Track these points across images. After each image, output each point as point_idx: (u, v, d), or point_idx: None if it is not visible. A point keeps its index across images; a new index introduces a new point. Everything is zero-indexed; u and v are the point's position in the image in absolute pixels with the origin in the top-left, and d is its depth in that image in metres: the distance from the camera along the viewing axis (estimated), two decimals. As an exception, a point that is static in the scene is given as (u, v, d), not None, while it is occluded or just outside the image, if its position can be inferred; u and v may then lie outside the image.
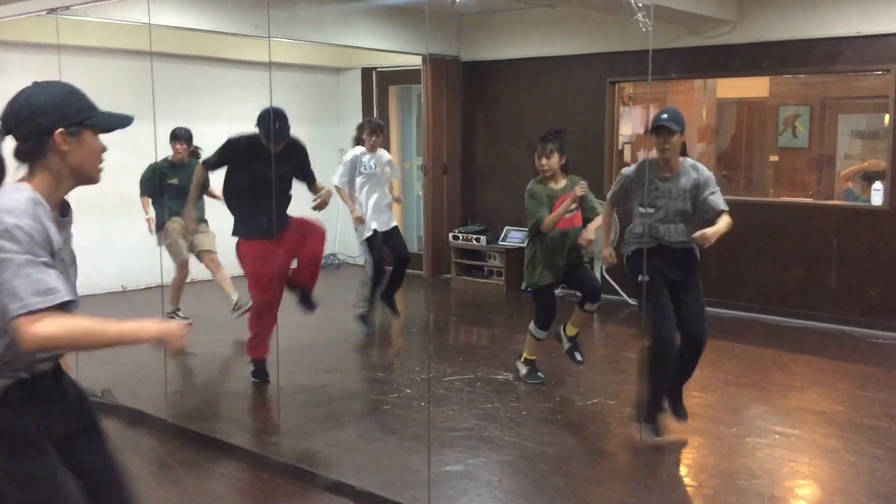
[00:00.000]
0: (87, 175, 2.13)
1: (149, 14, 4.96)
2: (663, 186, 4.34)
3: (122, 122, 2.18)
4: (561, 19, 8.34)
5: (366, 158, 6.83)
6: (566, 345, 5.51)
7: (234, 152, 5.25)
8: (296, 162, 5.39)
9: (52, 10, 5.72)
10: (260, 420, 4.87)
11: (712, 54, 7.57)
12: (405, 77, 9.87)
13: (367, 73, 10.26)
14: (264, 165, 4.99)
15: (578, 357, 5.48)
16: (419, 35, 8.54)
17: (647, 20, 4.77)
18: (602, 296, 7.65)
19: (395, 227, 6.93)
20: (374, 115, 10.22)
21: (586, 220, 5.32)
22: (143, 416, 4.82)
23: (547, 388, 5.39)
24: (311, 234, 5.42)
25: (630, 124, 8.85)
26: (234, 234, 5.31)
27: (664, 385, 4.39)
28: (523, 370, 5.51)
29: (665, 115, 4.24)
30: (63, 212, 2.14)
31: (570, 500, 3.79)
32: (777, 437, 4.54)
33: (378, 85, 10.20)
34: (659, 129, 4.24)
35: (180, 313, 7.01)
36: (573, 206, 5.25)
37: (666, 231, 4.35)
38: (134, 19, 6.41)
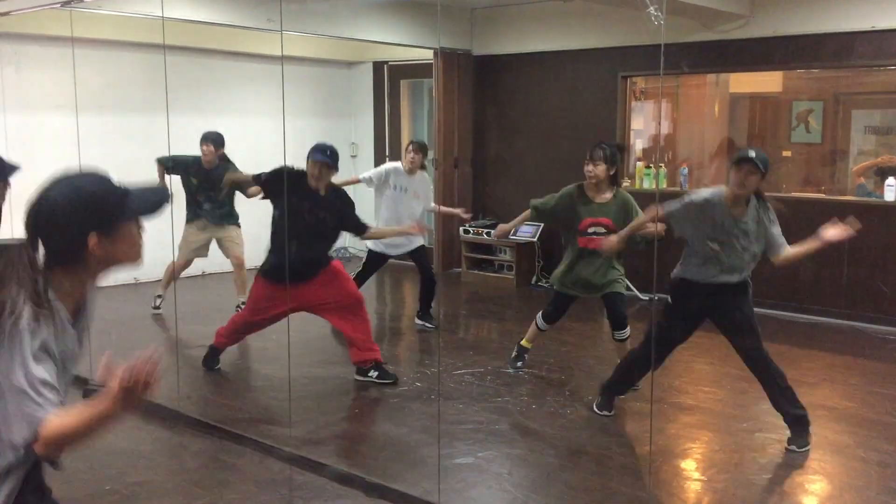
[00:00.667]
0: (128, 263, 1.98)
1: (162, 7, 4.97)
2: (735, 224, 4.20)
3: (157, 203, 1.99)
4: (573, 13, 8.32)
5: (400, 180, 6.62)
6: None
7: (280, 180, 5.06)
8: (342, 210, 5.24)
9: (66, 3, 5.75)
10: (271, 411, 4.89)
11: (725, 48, 7.55)
12: (417, 71, 9.88)
13: (378, 66, 10.27)
14: (307, 203, 5.05)
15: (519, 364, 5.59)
16: (431, 29, 8.54)
17: (660, 14, 4.75)
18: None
19: (421, 247, 6.71)
20: (387, 109, 10.25)
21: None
22: (156, 406, 4.84)
23: (557, 382, 5.39)
24: (343, 277, 5.32)
25: (642, 119, 8.84)
26: (261, 268, 5.30)
27: (626, 382, 4.63)
28: (513, 353, 5.62)
29: (752, 153, 4.07)
30: (78, 312, 1.99)
31: (579, 494, 3.80)
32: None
33: (390, 79, 10.21)
34: (742, 163, 4.05)
35: (160, 301, 7.15)
36: (601, 229, 5.03)
37: (728, 268, 4.25)
38: (147, 12, 6.43)
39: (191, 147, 7.43)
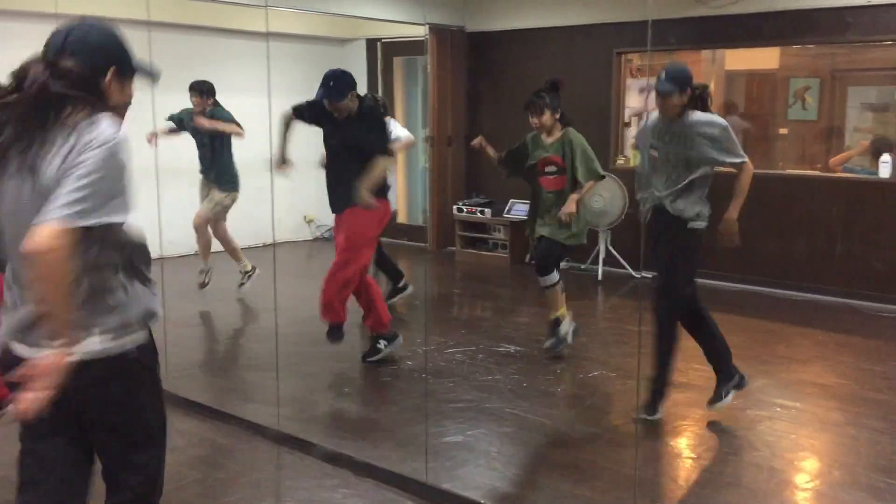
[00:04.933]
0: (120, 113, 2.16)
1: (147, -18, 4.91)
2: (667, 130, 4.22)
3: (151, 67, 2.30)
4: (567, -11, 8.24)
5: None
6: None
7: (312, 110, 5.11)
8: (365, 136, 4.98)
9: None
10: (259, 390, 4.86)
11: (719, 24, 7.47)
12: (410, 48, 9.79)
13: (371, 44, 10.17)
14: (330, 133, 5.01)
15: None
16: (423, 5, 8.45)
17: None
18: (606, 268, 7.67)
19: None
20: (380, 87, 10.16)
21: (575, 183, 5.25)
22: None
23: (548, 360, 5.37)
24: (350, 223, 5.08)
25: (636, 96, 8.78)
26: None
27: (664, 361, 4.34)
28: (548, 338, 5.49)
29: (662, 76, 4.13)
30: None
31: (569, 472, 3.79)
32: (778, 409, 4.52)
33: (383, 56, 10.12)
34: (656, 94, 4.16)
35: (206, 277, 7.11)
36: (553, 168, 5.26)
37: (665, 181, 4.23)
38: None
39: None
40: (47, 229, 1.85)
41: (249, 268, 7.10)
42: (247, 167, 8.70)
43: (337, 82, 4.94)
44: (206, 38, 9.06)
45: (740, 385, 4.40)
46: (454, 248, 9.14)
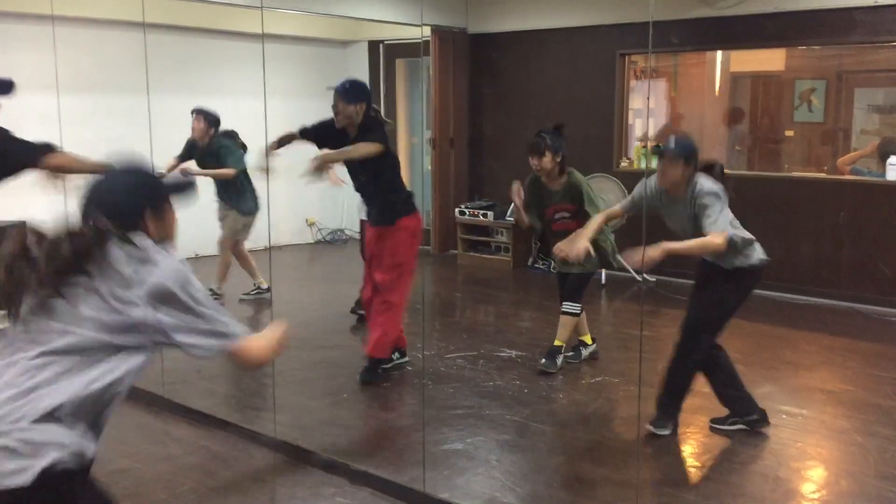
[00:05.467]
0: (167, 241, 2.21)
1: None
2: (670, 206, 4.17)
3: (186, 186, 2.33)
4: (570, -10, 8.18)
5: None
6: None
7: (322, 129, 4.98)
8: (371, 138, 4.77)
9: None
10: (255, 397, 4.80)
11: (724, 25, 7.39)
12: (413, 50, 9.73)
13: (374, 46, 10.12)
14: (337, 146, 4.86)
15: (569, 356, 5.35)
16: (424, 6, 8.39)
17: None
18: (610, 272, 7.58)
19: None
20: (382, 89, 10.10)
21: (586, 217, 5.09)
22: (139, 391, 4.76)
23: (539, 363, 5.28)
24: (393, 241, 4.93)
25: (641, 99, 8.70)
26: None
27: (678, 384, 4.23)
28: (576, 352, 5.45)
29: (671, 143, 4.06)
30: None
31: (570, 481, 3.71)
32: (784, 416, 4.43)
33: (385, 58, 10.06)
34: (660, 154, 4.07)
35: (221, 295, 6.94)
36: (566, 214, 5.14)
37: None
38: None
39: (176, 128, 7.28)
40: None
41: (265, 286, 7.01)
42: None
43: (353, 86, 4.85)
44: (204, 41, 9.02)
45: (758, 423, 4.23)
46: (456, 252, 9.06)
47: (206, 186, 7.38)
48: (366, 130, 4.77)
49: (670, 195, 4.10)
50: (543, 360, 5.19)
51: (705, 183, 4.00)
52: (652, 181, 4.14)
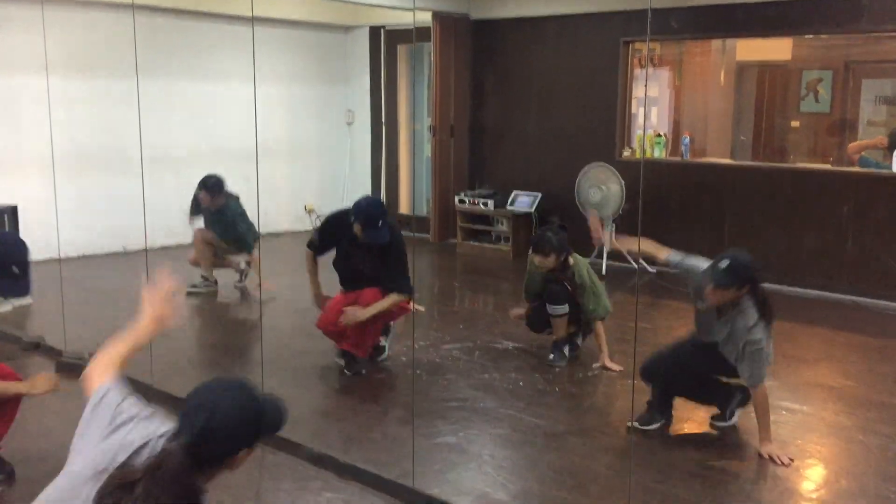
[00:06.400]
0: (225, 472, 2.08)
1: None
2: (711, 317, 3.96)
3: (283, 422, 2.13)
4: (574, -24, 8.05)
5: None
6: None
7: (331, 232, 4.93)
8: (393, 263, 4.83)
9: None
10: (247, 387, 4.71)
11: (730, 13, 7.26)
12: (414, 35, 9.61)
13: (375, 31, 10.00)
14: (347, 249, 4.86)
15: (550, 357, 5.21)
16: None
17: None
18: (610, 262, 7.50)
19: None
20: (383, 75, 9.99)
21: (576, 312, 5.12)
22: (129, 380, 4.68)
23: (545, 358, 5.20)
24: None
25: (643, 87, 8.57)
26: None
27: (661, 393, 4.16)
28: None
29: (723, 265, 3.71)
30: None
31: (563, 477, 3.63)
32: (784, 413, 4.34)
33: (387, 43, 9.94)
34: (708, 280, 3.76)
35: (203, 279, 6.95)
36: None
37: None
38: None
39: (168, 112, 7.19)
40: None
41: (214, 280, 6.95)
42: (239, 156, 8.58)
43: (384, 222, 4.72)
44: (198, 24, 8.91)
45: (745, 400, 4.14)
46: (455, 241, 8.97)
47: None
48: (388, 251, 4.79)
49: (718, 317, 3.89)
50: (551, 356, 5.12)
51: (757, 330, 3.76)
52: (699, 273, 3.92)
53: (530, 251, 5.21)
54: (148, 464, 1.87)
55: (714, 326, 3.90)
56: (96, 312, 6.24)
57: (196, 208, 6.93)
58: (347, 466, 3.64)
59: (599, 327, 5.09)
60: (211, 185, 6.68)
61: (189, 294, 6.75)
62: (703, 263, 3.94)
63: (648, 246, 4.17)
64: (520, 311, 5.48)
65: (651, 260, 4.28)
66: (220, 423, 1.93)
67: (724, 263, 3.70)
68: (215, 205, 6.71)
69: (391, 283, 4.79)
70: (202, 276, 6.86)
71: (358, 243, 4.79)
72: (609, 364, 5.00)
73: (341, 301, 4.89)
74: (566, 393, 4.66)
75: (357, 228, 4.71)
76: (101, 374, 2.24)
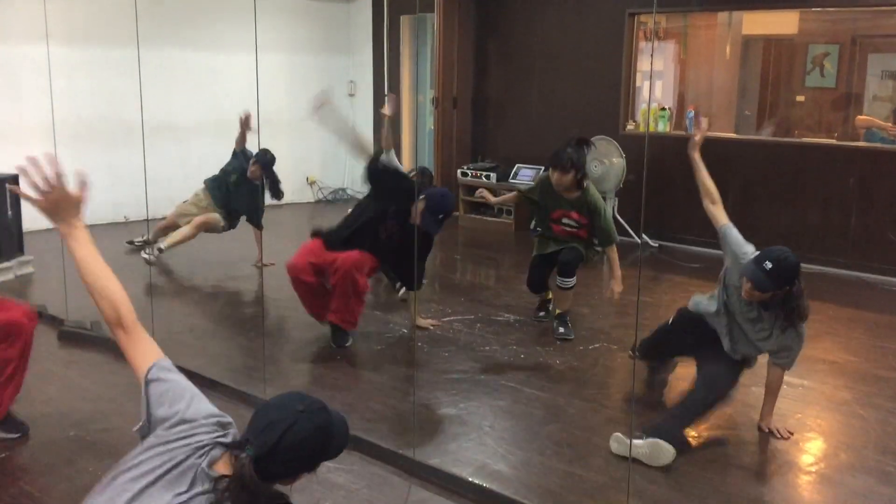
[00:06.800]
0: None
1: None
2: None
3: (344, 447, 2.05)
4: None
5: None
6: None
7: (388, 182, 4.86)
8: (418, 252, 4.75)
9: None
10: (246, 356, 4.72)
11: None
12: (417, 6, 9.52)
13: (378, 1, 9.91)
14: (389, 225, 4.84)
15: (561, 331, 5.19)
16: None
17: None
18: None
19: None
20: (385, 46, 9.92)
21: (591, 237, 5.14)
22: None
23: (547, 331, 5.21)
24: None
25: (649, 61, 8.50)
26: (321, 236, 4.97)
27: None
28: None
29: (765, 266, 3.52)
30: None
31: (563, 449, 3.64)
32: (785, 387, 4.30)
33: (389, 14, 9.85)
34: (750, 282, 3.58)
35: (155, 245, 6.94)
36: (571, 223, 5.10)
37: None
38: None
39: (170, 82, 7.09)
40: None
41: (159, 247, 6.88)
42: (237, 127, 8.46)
43: (445, 217, 4.83)
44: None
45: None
46: (458, 214, 8.94)
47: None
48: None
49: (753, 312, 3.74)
50: (560, 329, 5.12)
51: (803, 326, 3.67)
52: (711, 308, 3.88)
53: (545, 169, 5.14)
54: (231, 477, 1.86)
55: (750, 321, 3.74)
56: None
57: (221, 183, 6.84)
58: (349, 437, 3.64)
59: (614, 252, 5.09)
60: (267, 161, 6.60)
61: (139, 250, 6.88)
62: (749, 249, 3.77)
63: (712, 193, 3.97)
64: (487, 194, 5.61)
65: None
66: (289, 446, 1.89)
67: (767, 266, 3.49)
68: (255, 176, 6.64)
69: (408, 277, 4.96)
70: (158, 249, 6.80)
71: (398, 218, 4.77)
72: (617, 288, 5.02)
73: (315, 253, 4.83)
74: (567, 366, 4.66)
75: (418, 208, 4.64)
76: (140, 345, 2.21)
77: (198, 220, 6.74)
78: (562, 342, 5.02)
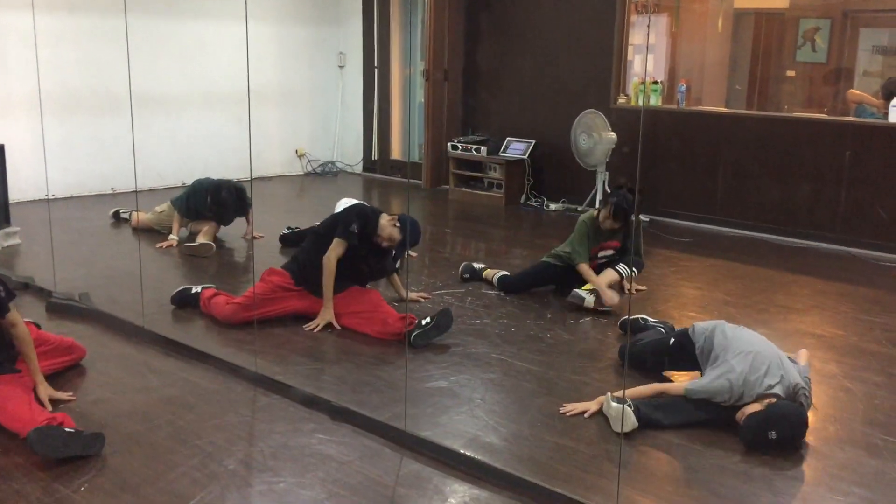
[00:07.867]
0: None
1: None
2: None
3: None
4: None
5: None
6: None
7: (365, 227, 4.79)
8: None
9: None
10: (237, 329, 4.70)
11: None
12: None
13: (368, -29, 9.81)
14: (371, 256, 4.87)
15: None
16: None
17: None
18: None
19: None
20: (375, 17, 9.81)
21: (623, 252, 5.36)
22: (119, 321, 4.68)
23: (538, 306, 5.22)
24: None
25: (641, 34, 8.47)
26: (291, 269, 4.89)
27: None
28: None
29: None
30: None
31: (554, 421, 3.65)
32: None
33: (380, -15, 9.78)
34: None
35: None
36: (609, 253, 5.40)
37: None
38: None
39: (158, 52, 7.01)
40: None
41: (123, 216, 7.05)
42: (229, 99, 8.46)
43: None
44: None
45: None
46: (448, 187, 8.93)
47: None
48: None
49: None
50: (578, 293, 5.20)
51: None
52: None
53: (597, 212, 5.32)
54: None
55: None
56: (85, 253, 6.21)
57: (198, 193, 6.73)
58: (340, 409, 3.65)
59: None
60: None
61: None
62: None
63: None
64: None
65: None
66: None
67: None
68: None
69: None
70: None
71: (370, 245, 4.82)
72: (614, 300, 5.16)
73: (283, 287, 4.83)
74: (558, 339, 4.67)
75: (392, 233, 4.76)
76: None
77: (210, 232, 6.60)
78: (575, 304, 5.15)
